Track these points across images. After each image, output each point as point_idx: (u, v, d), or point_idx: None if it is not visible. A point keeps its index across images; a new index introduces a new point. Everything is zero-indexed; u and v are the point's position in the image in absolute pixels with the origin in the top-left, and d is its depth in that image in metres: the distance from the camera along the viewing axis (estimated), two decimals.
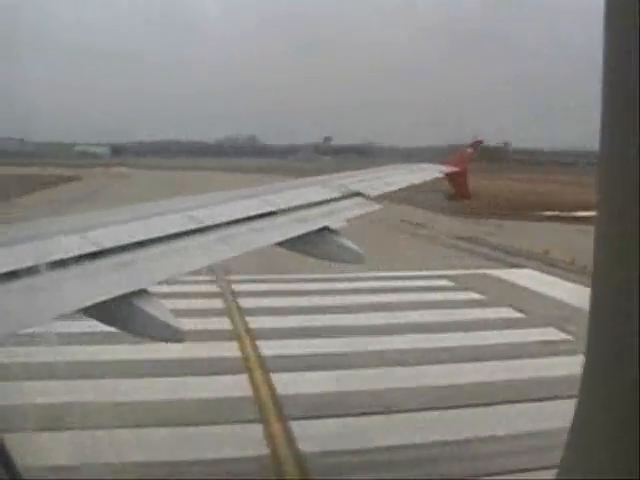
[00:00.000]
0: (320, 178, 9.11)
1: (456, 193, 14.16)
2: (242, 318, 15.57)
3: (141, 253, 4.18)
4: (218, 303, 17.31)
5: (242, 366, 12.07)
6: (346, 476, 8.36)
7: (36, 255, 3.47)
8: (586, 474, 1.29)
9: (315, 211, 6.91)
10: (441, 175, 12.58)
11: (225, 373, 11.69)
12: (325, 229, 6.56)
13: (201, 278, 18.19)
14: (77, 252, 3.74)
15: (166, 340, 3.82)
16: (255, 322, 15.06)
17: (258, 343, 13.35)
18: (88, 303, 3.42)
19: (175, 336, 3.74)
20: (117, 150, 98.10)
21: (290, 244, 6.18)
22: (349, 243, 6.64)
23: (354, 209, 7.68)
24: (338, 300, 17.43)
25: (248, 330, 14.41)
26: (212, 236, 5.15)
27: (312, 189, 7.84)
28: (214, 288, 18.72)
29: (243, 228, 5.64)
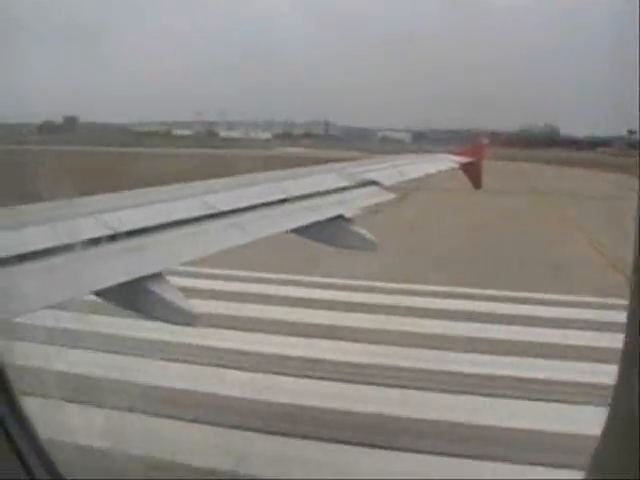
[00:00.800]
0: (335, 166, 9.06)
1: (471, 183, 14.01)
2: None
3: (150, 238, 4.17)
4: None
5: None
6: None
7: (48, 237, 3.47)
8: (617, 472, 1.26)
9: (329, 199, 6.88)
10: (456, 165, 12.47)
11: None
12: (339, 217, 6.54)
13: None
14: (91, 234, 3.73)
15: (180, 324, 3.81)
16: None
17: None
18: (102, 286, 3.42)
19: (188, 320, 3.74)
20: (417, 136, 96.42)
21: (303, 231, 6.16)
22: (363, 231, 6.62)
23: (368, 198, 7.65)
24: None
25: None
26: (225, 222, 5.13)
27: (327, 177, 7.80)
28: None
29: (256, 214, 5.63)
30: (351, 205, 7.05)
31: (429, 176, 10.99)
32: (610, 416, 1.28)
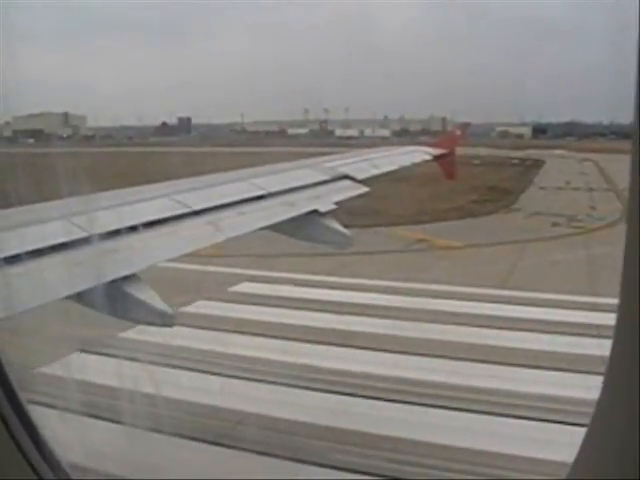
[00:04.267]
0: (309, 161, 9.08)
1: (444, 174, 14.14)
2: None
3: (123, 240, 4.15)
4: None
5: None
6: None
7: (23, 241, 3.45)
8: (601, 469, 1.31)
9: (304, 194, 6.92)
10: (430, 157, 12.58)
11: None
12: (314, 212, 6.59)
13: None
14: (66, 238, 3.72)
15: (157, 325, 3.83)
16: None
17: None
18: (76, 289, 3.42)
19: (165, 321, 3.76)
20: (538, 131, 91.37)
21: (280, 227, 6.19)
22: (338, 226, 6.67)
23: (343, 192, 7.69)
24: None
25: None
26: (201, 220, 5.13)
27: (301, 172, 7.82)
28: None
29: (231, 212, 5.64)
30: (325, 200, 7.09)
31: (403, 169, 11.08)
32: (595, 415, 1.33)
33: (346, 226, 6.76)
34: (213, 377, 10.32)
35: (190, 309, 13.52)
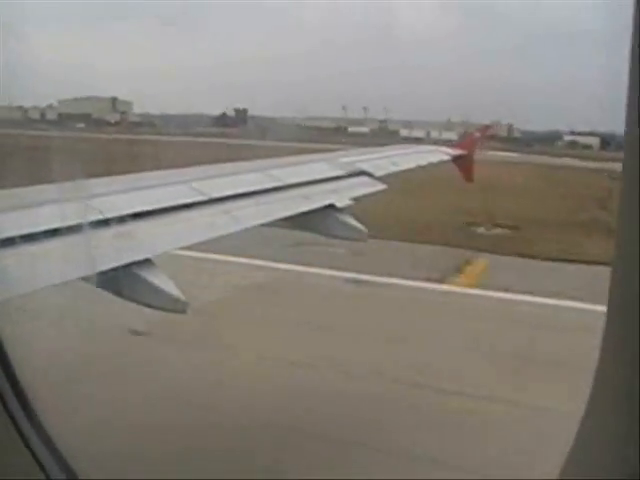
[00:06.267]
0: (326, 155, 9.04)
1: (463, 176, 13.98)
2: None
3: (138, 224, 4.14)
4: None
5: None
6: None
7: (28, 223, 3.45)
8: (592, 472, 1.29)
9: (320, 188, 6.88)
10: (448, 158, 12.46)
11: None
12: (330, 207, 6.55)
13: None
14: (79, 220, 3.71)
15: (170, 311, 3.80)
16: None
17: None
18: (91, 271, 3.41)
19: (178, 307, 3.74)
20: (606, 142, 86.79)
21: (294, 220, 6.16)
22: (353, 221, 6.62)
23: (359, 188, 7.64)
24: None
25: None
26: (215, 209, 5.12)
27: (318, 166, 7.78)
28: None
29: (247, 202, 5.62)
30: (342, 195, 7.05)
31: (420, 168, 10.98)
32: (587, 414, 1.30)
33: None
34: None
35: None
